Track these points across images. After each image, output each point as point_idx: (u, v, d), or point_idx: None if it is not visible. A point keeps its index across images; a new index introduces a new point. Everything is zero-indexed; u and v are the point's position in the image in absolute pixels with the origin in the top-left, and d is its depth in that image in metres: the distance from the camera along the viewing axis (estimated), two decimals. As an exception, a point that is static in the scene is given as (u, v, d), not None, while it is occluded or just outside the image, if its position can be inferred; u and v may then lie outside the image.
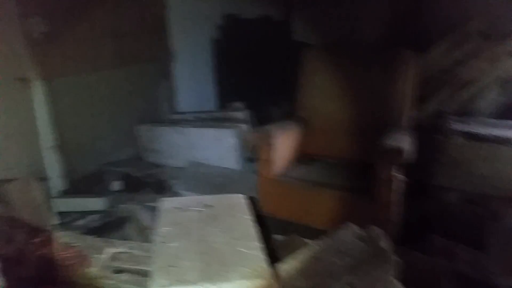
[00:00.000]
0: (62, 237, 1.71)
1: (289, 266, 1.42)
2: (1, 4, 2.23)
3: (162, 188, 2.79)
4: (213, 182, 2.73)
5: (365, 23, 3.33)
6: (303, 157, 2.60)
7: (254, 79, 3.62)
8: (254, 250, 1.31)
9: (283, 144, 2.40)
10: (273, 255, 1.36)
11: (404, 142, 2.10)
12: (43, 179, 2.50)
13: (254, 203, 1.71)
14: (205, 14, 3.43)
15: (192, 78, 3.48)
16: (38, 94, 2.51)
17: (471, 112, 2.65)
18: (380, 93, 2.49)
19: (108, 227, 2.38)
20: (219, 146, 2.88)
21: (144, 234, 2.30)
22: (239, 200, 1.64)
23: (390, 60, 2.50)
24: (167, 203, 1.64)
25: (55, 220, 2.27)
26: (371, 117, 2.51)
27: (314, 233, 1.72)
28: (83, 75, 2.75)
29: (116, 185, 2.77)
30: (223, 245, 1.33)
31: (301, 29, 3.84)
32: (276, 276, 1.29)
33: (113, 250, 1.89)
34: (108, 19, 2.77)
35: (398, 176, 2.03)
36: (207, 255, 1.28)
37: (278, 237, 1.88)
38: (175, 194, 2.71)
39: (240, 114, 3.14)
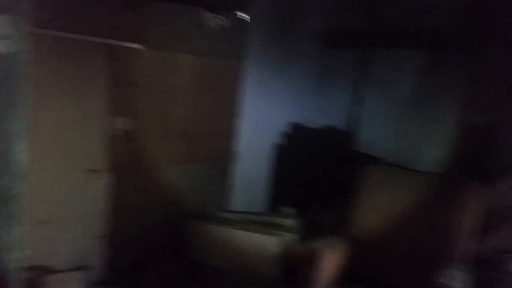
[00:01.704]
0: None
1: None
2: (95, 104, 2.56)
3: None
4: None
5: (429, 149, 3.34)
6: (350, 277, 2.47)
7: (309, 188, 3.62)
8: None
9: (329, 264, 2.30)
10: None
11: (459, 281, 1.94)
12: (84, 268, 2.57)
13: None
14: (272, 121, 3.63)
15: (248, 180, 3.57)
16: (103, 186, 2.69)
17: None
18: (440, 224, 2.37)
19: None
20: (260, 254, 2.81)
21: None
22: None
23: (454, 190, 2.41)
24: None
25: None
26: (426, 246, 2.37)
27: None
28: (149, 171, 2.94)
29: (151, 282, 2.76)
30: None
31: (364, 141, 3.89)
32: None
33: None
34: (183, 122, 3.05)
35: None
36: None
37: None
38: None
39: (288, 221, 3.09)
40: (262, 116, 3.56)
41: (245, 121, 3.43)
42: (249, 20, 3.21)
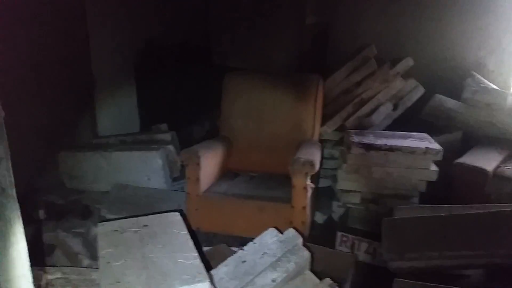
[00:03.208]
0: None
1: (219, 271, 1.63)
2: None
3: (87, 213, 2.80)
4: (140, 202, 2.80)
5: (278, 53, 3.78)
6: (227, 173, 2.83)
7: (177, 102, 3.77)
8: (192, 260, 1.49)
9: (209, 162, 2.60)
10: (206, 264, 1.54)
11: (315, 156, 2.44)
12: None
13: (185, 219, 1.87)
14: (126, 40, 3.52)
15: (114, 103, 3.52)
16: None
17: (369, 126, 3.09)
18: (294, 113, 2.83)
19: (37, 255, 2.36)
20: (145, 168, 2.97)
21: (75, 260, 2.34)
22: (174, 218, 1.79)
23: (302, 84, 2.86)
24: (105, 227, 1.74)
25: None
26: (286, 134, 2.83)
27: (241, 242, 1.95)
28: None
29: (41, 214, 2.73)
30: (164, 258, 1.49)
31: (220, 53, 4.13)
32: (212, 279, 1.49)
33: (48, 276, 1.94)
34: (29, 50, 2.75)
35: (311, 185, 2.35)
36: (150, 269, 1.43)
37: (207, 248, 2.09)
38: (102, 218, 2.74)
39: (164, 136, 3.25)
40: (114, 35, 3.41)
41: (99, 41, 3.26)
42: None
